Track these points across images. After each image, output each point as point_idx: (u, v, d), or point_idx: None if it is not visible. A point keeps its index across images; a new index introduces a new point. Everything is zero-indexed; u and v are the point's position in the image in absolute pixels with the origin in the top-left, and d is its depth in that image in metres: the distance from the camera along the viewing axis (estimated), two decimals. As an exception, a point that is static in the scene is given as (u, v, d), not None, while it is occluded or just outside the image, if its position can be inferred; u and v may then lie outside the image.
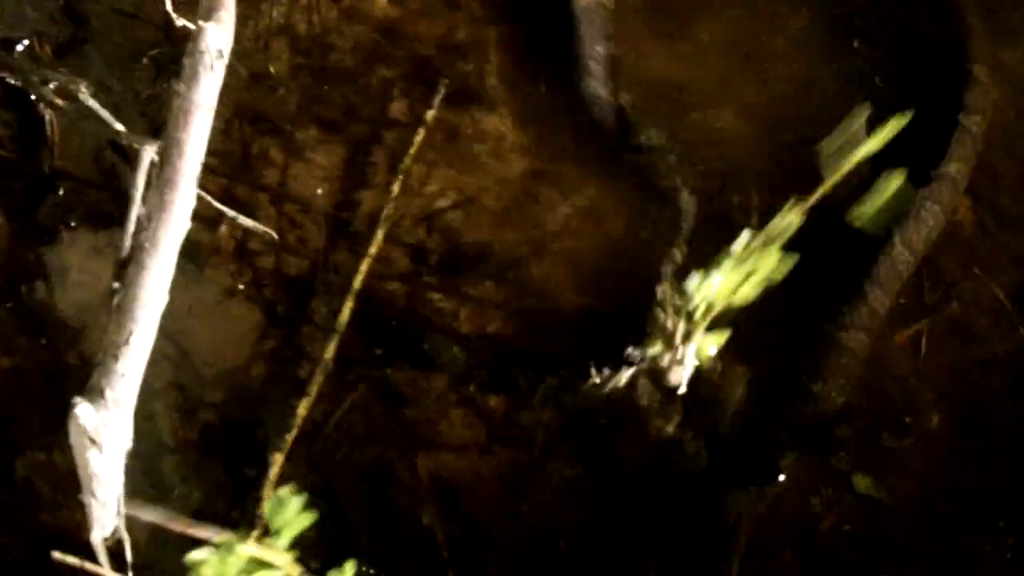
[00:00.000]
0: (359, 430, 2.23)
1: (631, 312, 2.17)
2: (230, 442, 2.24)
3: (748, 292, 1.87)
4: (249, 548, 1.56)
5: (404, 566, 2.13)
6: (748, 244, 1.82)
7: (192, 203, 2.01)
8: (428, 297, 2.31)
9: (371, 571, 2.08)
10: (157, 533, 1.97)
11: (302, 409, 2.22)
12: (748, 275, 1.85)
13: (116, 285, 1.97)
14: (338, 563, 1.74)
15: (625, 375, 2.12)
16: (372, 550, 2.14)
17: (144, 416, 1.92)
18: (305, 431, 2.21)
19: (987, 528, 2.14)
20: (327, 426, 2.23)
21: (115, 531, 1.83)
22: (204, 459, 2.23)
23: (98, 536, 1.81)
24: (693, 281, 1.91)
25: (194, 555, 1.56)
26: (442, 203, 2.39)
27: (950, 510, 2.15)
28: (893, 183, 1.80)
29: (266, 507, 1.64)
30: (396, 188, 2.37)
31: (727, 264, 1.85)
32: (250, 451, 2.21)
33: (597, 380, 2.14)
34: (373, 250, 2.31)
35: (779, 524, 2.14)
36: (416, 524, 2.18)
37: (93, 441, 1.79)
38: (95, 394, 1.82)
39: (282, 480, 2.17)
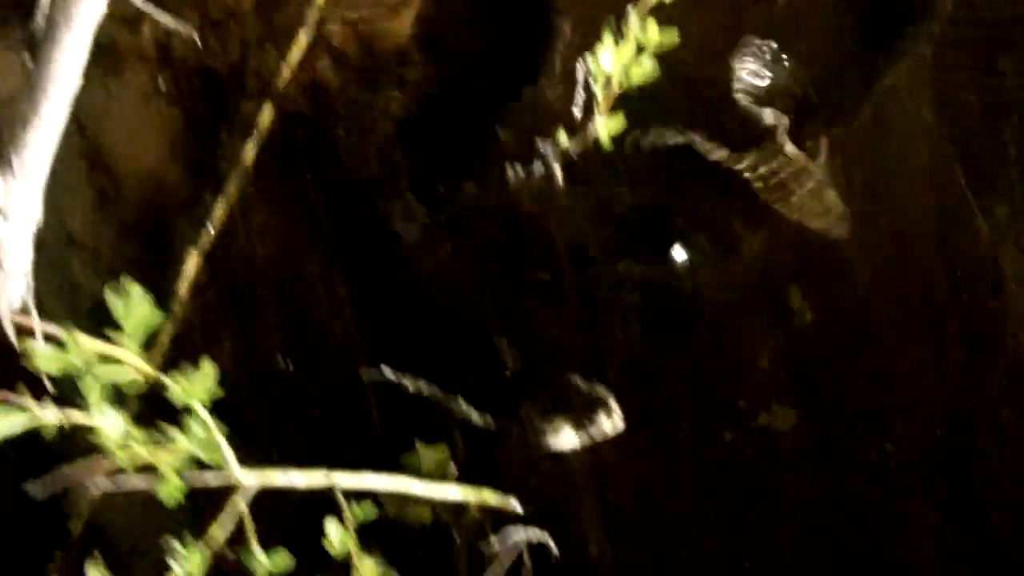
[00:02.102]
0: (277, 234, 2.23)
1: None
2: (144, 241, 2.22)
3: (645, 69, 1.82)
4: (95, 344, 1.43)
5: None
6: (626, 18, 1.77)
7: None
8: (351, 100, 2.28)
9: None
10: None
11: (219, 210, 2.19)
12: (639, 50, 1.80)
13: (29, 61, 1.93)
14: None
15: (539, 166, 2.12)
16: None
17: (56, 213, 1.89)
18: (221, 235, 2.19)
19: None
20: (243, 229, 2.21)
21: (22, 302, 1.80)
22: (116, 257, 2.21)
23: (5, 307, 1.79)
24: (586, 58, 1.86)
25: (29, 345, 1.46)
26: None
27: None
28: None
29: (107, 296, 1.45)
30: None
31: (608, 39, 1.81)
32: (164, 252, 2.19)
33: (514, 175, 2.15)
34: (296, 53, 2.27)
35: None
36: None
37: (0, 211, 1.76)
38: (3, 164, 1.79)
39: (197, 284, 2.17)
